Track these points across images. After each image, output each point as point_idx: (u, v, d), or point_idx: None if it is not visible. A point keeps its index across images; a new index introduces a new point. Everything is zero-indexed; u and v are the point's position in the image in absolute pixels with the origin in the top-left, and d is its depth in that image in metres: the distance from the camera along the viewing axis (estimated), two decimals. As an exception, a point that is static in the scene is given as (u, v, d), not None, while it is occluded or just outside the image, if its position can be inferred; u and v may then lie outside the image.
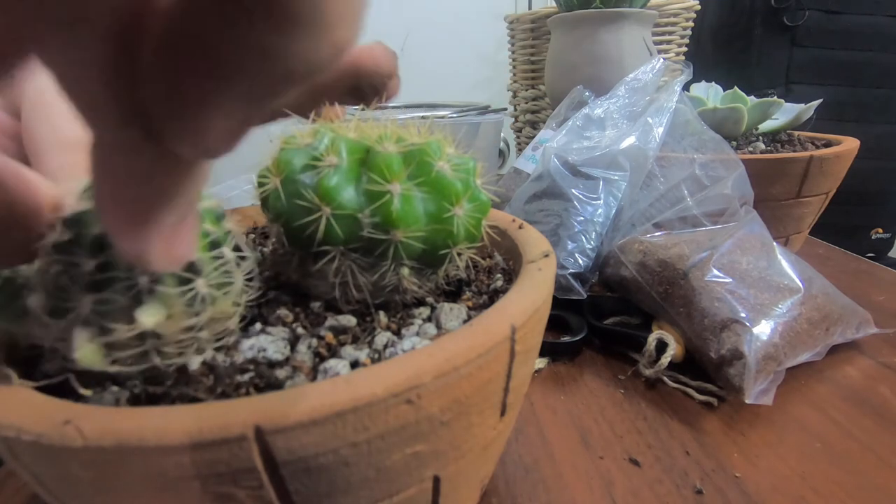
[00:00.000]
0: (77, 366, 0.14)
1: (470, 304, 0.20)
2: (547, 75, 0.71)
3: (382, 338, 0.18)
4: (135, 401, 0.15)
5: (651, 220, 0.42)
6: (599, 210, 0.43)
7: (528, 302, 0.17)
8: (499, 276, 0.22)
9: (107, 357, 0.14)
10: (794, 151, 0.50)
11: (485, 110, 0.72)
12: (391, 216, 0.17)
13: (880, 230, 1.19)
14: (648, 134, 0.45)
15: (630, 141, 0.45)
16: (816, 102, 0.55)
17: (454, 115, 0.66)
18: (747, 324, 0.30)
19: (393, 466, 0.14)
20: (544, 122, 0.65)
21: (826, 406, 0.31)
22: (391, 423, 0.13)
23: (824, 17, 1.07)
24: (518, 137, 0.93)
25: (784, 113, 0.56)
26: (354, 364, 0.16)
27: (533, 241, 0.23)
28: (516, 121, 0.92)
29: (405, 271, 0.19)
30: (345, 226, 0.17)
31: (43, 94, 0.21)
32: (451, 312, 0.19)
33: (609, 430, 0.29)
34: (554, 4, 0.70)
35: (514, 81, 0.90)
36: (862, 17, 1.07)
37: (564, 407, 0.31)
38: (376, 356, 0.17)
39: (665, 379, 0.33)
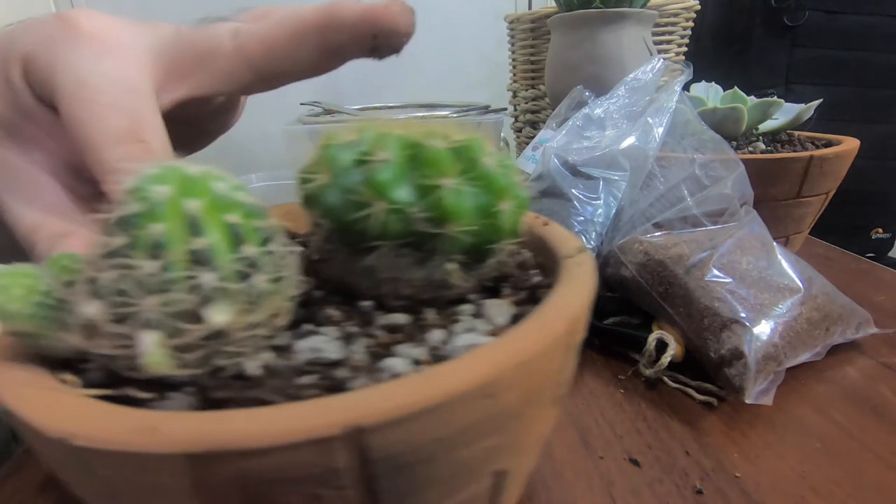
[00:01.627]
0: (143, 372, 0.14)
1: (512, 299, 0.20)
2: (547, 75, 0.71)
3: (436, 335, 0.17)
4: (202, 406, 0.14)
5: (651, 220, 0.42)
6: (599, 210, 0.43)
7: (578, 296, 0.17)
8: (535, 271, 0.22)
9: (174, 360, 0.14)
10: (794, 151, 0.50)
11: (485, 110, 0.72)
12: (445, 210, 0.17)
13: (880, 230, 1.19)
14: (648, 134, 0.45)
15: (630, 141, 0.45)
16: (816, 102, 0.55)
17: (454, 115, 0.66)
18: (747, 324, 0.30)
19: (467, 461, 0.15)
20: (544, 122, 0.65)
21: (826, 406, 0.31)
22: (471, 416, 0.14)
23: (824, 17, 1.07)
24: (518, 137, 0.93)
25: (784, 113, 0.56)
26: (414, 362, 0.16)
27: (561, 237, 0.23)
28: (516, 121, 0.92)
29: (454, 266, 0.19)
30: (397, 220, 0.17)
31: (83, 86, 0.20)
32: (499, 308, 0.19)
33: (609, 430, 0.29)
34: (554, 4, 0.70)
35: (514, 81, 0.90)
36: (862, 17, 1.07)
37: (564, 407, 0.31)
38: (434, 354, 0.17)
39: (665, 379, 0.33)
